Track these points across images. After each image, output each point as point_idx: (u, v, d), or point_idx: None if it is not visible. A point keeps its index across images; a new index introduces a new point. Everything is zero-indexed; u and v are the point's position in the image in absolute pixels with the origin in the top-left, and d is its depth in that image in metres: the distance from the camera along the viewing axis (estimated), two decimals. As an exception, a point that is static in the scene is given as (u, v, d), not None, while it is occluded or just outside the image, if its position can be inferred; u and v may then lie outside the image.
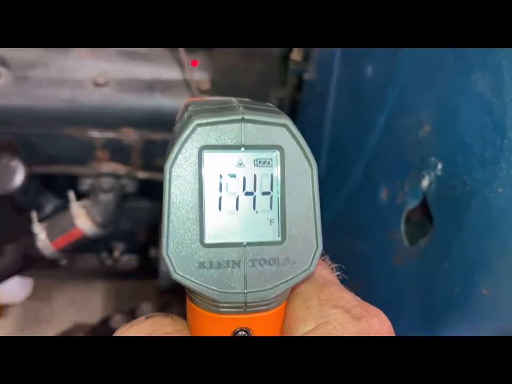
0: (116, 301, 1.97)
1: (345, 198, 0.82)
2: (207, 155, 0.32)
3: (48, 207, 1.41)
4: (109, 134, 1.20)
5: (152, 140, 1.22)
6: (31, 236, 1.32)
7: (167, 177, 0.31)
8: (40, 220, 1.34)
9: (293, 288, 0.34)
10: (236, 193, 0.32)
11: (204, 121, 0.31)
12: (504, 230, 0.44)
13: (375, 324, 0.33)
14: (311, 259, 0.33)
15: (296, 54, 1.01)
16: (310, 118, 1.04)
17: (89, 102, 1.15)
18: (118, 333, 0.33)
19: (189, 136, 0.31)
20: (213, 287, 0.31)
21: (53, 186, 1.37)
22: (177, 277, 0.31)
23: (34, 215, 1.32)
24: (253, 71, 1.22)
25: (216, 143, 0.32)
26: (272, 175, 0.32)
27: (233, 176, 0.32)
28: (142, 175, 1.29)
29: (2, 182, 1.17)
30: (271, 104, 0.36)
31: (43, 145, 1.20)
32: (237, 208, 0.32)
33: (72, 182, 1.31)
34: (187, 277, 0.31)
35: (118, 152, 1.24)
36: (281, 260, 0.32)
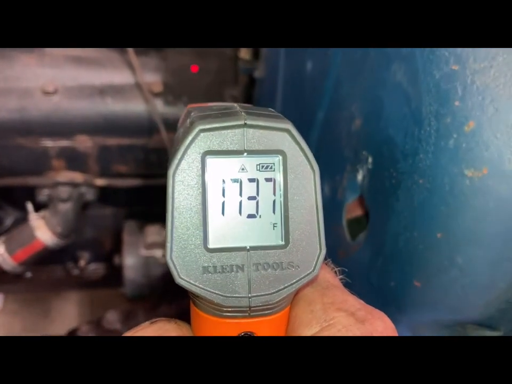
0: (87, 310, 1.95)
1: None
2: (210, 160, 0.32)
3: (8, 220, 1.38)
4: (63, 143, 1.18)
5: (107, 146, 1.20)
6: (-9, 251, 1.29)
7: (170, 182, 0.31)
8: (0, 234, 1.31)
9: (297, 292, 0.34)
10: (239, 198, 0.32)
11: (207, 126, 0.31)
12: (426, 221, 0.43)
13: (379, 326, 0.33)
14: (314, 263, 0.33)
15: (244, 53, 1.00)
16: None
17: (39, 111, 1.13)
18: None
19: (192, 141, 0.31)
20: (217, 292, 0.31)
21: (10, 199, 1.34)
22: (181, 282, 0.31)
23: (-9, 229, 1.29)
24: (206, 70, 1.21)
25: (219, 149, 0.32)
26: (274, 180, 0.33)
27: (236, 181, 0.32)
28: (100, 182, 1.27)
29: (-46, 197, 1.14)
30: (272, 110, 0.36)
31: (-5, 157, 1.18)
32: (240, 212, 0.32)
33: (29, 193, 1.28)
34: (191, 281, 0.31)
35: (74, 160, 1.22)
36: (284, 263, 0.32)
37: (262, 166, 0.32)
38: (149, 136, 1.20)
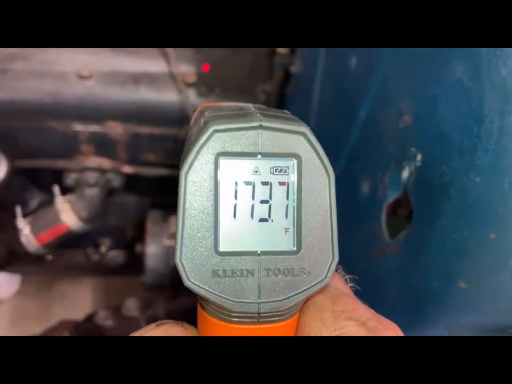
0: (103, 296, 1.96)
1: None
2: (223, 162, 0.31)
3: (33, 202, 1.39)
4: (94, 128, 1.19)
5: (138, 134, 1.21)
6: (15, 231, 1.31)
7: (182, 183, 0.30)
8: (25, 215, 1.33)
9: (307, 299, 0.34)
10: (251, 201, 0.32)
11: (221, 127, 0.31)
12: (481, 221, 0.43)
13: None
14: (326, 270, 0.32)
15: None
16: (296, 111, 1.03)
17: (72, 95, 1.14)
18: None
19: (205, 142, 0.30)
20: (226, 296, 0.31)
21: (37, 181, 1.36)
22: (190, 285, 0.31)
23: (18, 210, 1.30)
24: (240, 64, 1.21)
25: (233, 150, 0.31)
26: (288, 184, 0.32)
27: (249, 183, 0.32)
28: (128, 169, 1.28)
29: (-17, 176, 1.15)
30: (287, 112, 0.35)
31: (26, 138, 1.19)
32: (252, 216, 0.32)
33: (57, 176, 1.29)
34: (200, 285, 0.31)
35: (103, 146, 1.23)
36: (296, 270, 0.32)
37: (276, 169, 0.32)
38: (180, 127, 1.20)
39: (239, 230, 0.32)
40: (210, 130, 0.30)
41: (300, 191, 0.32)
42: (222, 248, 0.31)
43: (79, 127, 1.19)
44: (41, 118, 1.15)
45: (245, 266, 0.31)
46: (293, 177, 0.32)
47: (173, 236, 1.29)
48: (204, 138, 0.30)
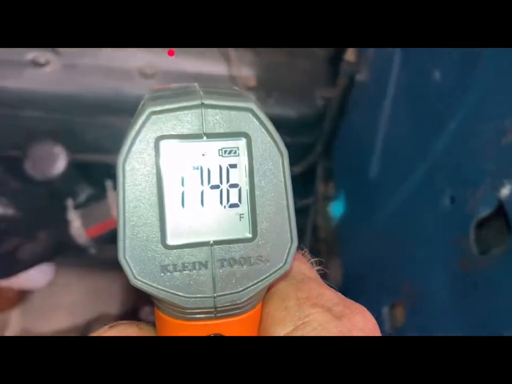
0: (135, 294, 1.97)
1: (401, 202, 0.81)
2: (164, 146, 0.28)
3: (83, 195, 1.41)
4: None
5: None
6: (65, 223, 1.33)
7: (120, 172, 0.28)
8: (75, 208, 1.35)
9: (269, 288, 0.32)
10: (200, 187, 0.29)
11: (159, 108, 0.28)
12: None
13: (358, 322, 0.31)
14: (285, 256, 0.30)
15: (350, 55, 1.00)
16: (360, 119, 1.04)
17: (135, 92, 1.15)
18: None
19: (142, 125, 0.28)
20: (178, 292, 0.29)
21: (89, 175, 1.37)
22: (136, 283, 0.28)
23: (70, 202, 1.32)
24: (298, 69, 1.21)
25: (174, 133, 0.28)
26: (239, 166, 0.30)
27: (196, 168, 0.29)
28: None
29: (44, 167, 1.17)
30: (237, 88, 0.33)
31: (85, 133, 1.20)
32: (202, 203, 0.29)
33: (109, 171, 1.31)
34: (148, 282, 0.28)
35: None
36: (253, 258, 0.30)
37: (225, 151, 0.29)
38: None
39: (189, 220, 0.29)
40: (147, 112, 0.28)
41: (252, 173, 0.30)
42: (170, 241, 0.29)
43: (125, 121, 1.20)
44: (103, 113, 1.17)
45: (197, 258, 0.29)
46: (244, 159, 0.30)
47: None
48: (140, 121, 0.28)
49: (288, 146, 1.14)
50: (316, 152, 1.24)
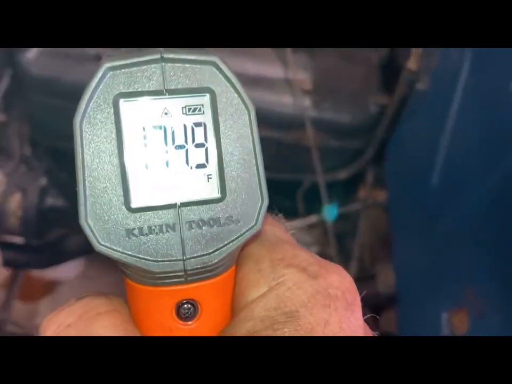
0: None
1: (468, 211, 0.82)
2: (124, 105, 0.27)
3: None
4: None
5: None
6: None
7: (77, 133, 0.27)
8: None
9: (242, 250, 0.31)
10: (165, 148, 0.28)
11: (116, 63, 0.27)
12: None
13: (334, 280, 0.30)
14: (256, 215, 0.29)
15: (412, 63, 1.02)
16: (419, 128, 1.05)
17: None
18: (46, 321, 0.30)
19: (99, 83, 0.27)
20: (145, 257, 0.28)
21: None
22: (101, 249, 0.27)
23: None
24: (353, 75, 1.23)
25: (134, 90, 0.27)
26: (205, 124, 0.28)
27: (159, 128, 0.28)
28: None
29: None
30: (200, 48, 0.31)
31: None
32: (166, 164, 0.28)
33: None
34: (114, 247, 0.27)
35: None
36: (222, 219, 0.29)
37: (189, 109, 0.28)
38: (287, 131, 1.23)
39: (153, 181, 0.28)
40: (103, 68, 0.27)
41: (218, 131, 0.29)
42: (134, 204, 0.28)
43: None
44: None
45: (164, 221, 0.28)
46: (209, 116, 0.29)
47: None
48: (96, 79, 0.27)
49: (336, 150, 1.16)
50: (365, 158, 1.25)
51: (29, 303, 1.91)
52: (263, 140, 1.11)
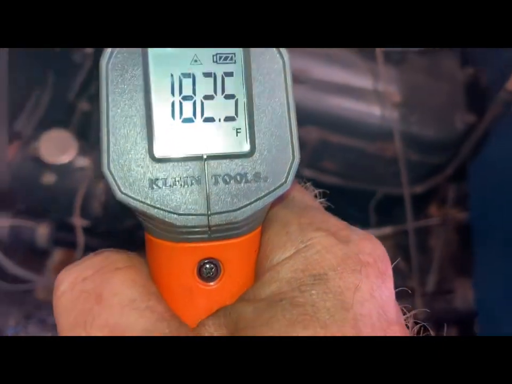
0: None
1: None
2: (152, 50, 0.26)
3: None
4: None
5: (327, 141, 1.26)
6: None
7: (103, 75, 0.26)
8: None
9: (269, 213, 0.30)
10: (192, 97, 0.27)
11: None
12: None
13: (366, 247, 0.29)
14: (286, 173, 0.28)
15: (510, 84, 1.03)
16: (509, 148, 1.06)
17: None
18: (62, 273, 0.29)
19: None
20: (168, 209, 0.26)
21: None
22: (122, 198, 0.26)
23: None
24: (440, 91, 1.24)
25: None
26: (236, 74, 0.27)
27: (187, 76, 0.27)
28: (306, 172, 1.33)
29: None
30: None
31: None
32: (194, 115, 0.27)
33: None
34: (136, 197, 0.26)
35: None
36: (250, 175, 0.27)
37: (220, 57, 0.27)
38: (370, 142, 1.25)
39: (179, 132, 0.27)
40: None
41: (249, 82, 0.27)
42: (158, 154, 0.26)
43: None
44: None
45: (189, 173, 0.27)
46: (241, 66, 0.27)
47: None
48: None
49: (416, 164, 1.17)
50: (445, 174, 1.26)
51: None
52: (345, 147, 1.13)
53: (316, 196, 0.33)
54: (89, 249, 1.43)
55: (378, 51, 1.18)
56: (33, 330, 1.21)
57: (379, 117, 1.21)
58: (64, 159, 1.20)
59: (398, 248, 1.31)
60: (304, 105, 1.21)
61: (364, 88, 1.22)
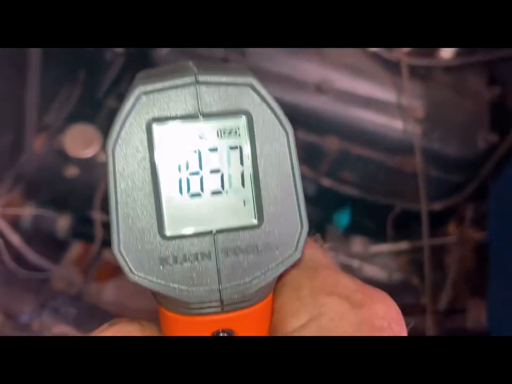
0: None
1: None
2: (157, 129, 0.27)
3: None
4: (312, 138, 1.26)
5: (348, 152, 1.26)
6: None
7: (110, 159, 0.26)
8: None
9: (280, 277, 0.29)
10: (199, 172, 0.27)
11: (149, 88, 0.26)
12: None
13: (380, 309, 0.28)
14: (296, 242, 0.28)
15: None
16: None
17: (307, 105, 1.21)
18: None
19: (132, 107, 0.26)
20: (181, 286, 0.27)
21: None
22: (135, 279, 0.26)
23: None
24: (464, 109, 1.23)
25: (168, 114, 0.27)
26: (240, 147, 0.28)
27: (193, 152, 0.27)
28: (326, 182, 1.33)
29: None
30: (236, 65, 0.31)
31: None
32: (201, 189, 0.27)
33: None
34: (148, 277, 0.26)
35: (312, 155, 1.29)
36: (260, 246, 0.27)
37: (224, 132, 0.27)
38: (390, 155, 1.24)
39: (188, 207, 0.27)
40: (137, 92, 0.26)
41: (254, 155, 0.27)
42: (169, 232, 0.27)
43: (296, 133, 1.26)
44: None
45: (199, 249, 0.27)
46: (245, 139, 0.28)
47: (352, 255, 1.34)
48: (129, 103, 0.26)
49: (435, 181, 1.16)
50: (464, 193, 1.25)
51: (98, 282, 1.99)
52: (365, 159, 1.14)
53: (325, 249, 0.33)
54: (107, 243, 1.46)
55: (404, 65, 1.18)
56: (46, 319, 1.24)
57: (401, 131, 1.21)
58: (88, 153, 1.23)
59: (413, 264, 1.30)
60: (326, 115, 1.22)
61: (387, 101, 1.22)
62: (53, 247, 1.40)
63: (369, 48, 1.22)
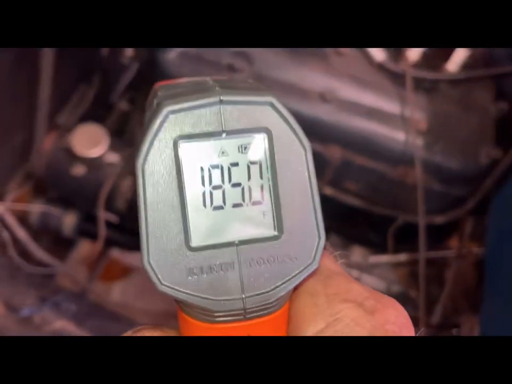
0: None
1: None
2: (184, 146, 0.28)
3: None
4: (315, 146, 1.26)
5: (351, 162, 1.27)
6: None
7: (140, 175, 0.28)
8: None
9: (296, 286, 0.31)
10: (221, 186, 0.29)
11: (177, 107, 0.28)
12: None
13: (391, 315, 0.30)
14: (313, 253, 0.29)
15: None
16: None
17: (310, 113, 1.22)
18: None
19: (160, 125, 0.28)
20: (206, 296, 0.28)
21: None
22: (164, 289, 0.28)
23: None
24: (468, 123, 1.23)
25: (193, 131, 0.28)
26: (260, 162, 0.29)
27: (216, 167, 0.29)
28: (328, 191, 1.34)
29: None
30: (251, 81, 0.33)
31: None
32: (224, 202, 0.29)
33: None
34: (176, 287, 0.28)
35: (314, 163, 1.30)
36: (280, 256, 0.29)
37: (245, 148, 0.29)
38: (393, 166, 1.25)
39: (212, 219, 0.29)
40: (165, 112, 0.28)
41: (274, 169, 0.29)
42: (195, 243, 0.28)
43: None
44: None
45: (223, 259, 0.28)
46: (265, 154, 0.29)
47: (351, 266, 1.34)
48: (158, 122, 0.28)
49: (436, 194, 1.16)
50: (466, 207, 1.24)
51: (105, 282, 2.02)
52: (366, 170, 1.14)
53: (336, 258, 0.35)
54: (112, 243, 1.48)
55: (409, 77, 1.19)
56: (47, 313, 1.27)
57: (403, 143, 1.21)
58: (94, 152, 1.26)
59: (411, 277, 1.30)
60: (329, 124, 1.23)
61: (391, 112, 1.22)
62: (59, 244, 1.43)
63: (375, 59, 1.23)
